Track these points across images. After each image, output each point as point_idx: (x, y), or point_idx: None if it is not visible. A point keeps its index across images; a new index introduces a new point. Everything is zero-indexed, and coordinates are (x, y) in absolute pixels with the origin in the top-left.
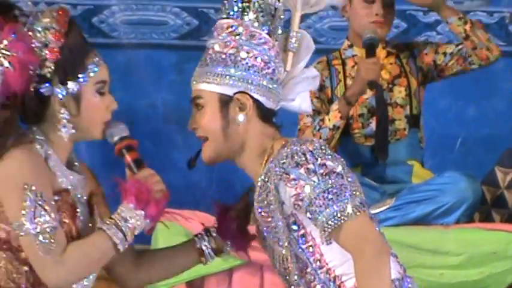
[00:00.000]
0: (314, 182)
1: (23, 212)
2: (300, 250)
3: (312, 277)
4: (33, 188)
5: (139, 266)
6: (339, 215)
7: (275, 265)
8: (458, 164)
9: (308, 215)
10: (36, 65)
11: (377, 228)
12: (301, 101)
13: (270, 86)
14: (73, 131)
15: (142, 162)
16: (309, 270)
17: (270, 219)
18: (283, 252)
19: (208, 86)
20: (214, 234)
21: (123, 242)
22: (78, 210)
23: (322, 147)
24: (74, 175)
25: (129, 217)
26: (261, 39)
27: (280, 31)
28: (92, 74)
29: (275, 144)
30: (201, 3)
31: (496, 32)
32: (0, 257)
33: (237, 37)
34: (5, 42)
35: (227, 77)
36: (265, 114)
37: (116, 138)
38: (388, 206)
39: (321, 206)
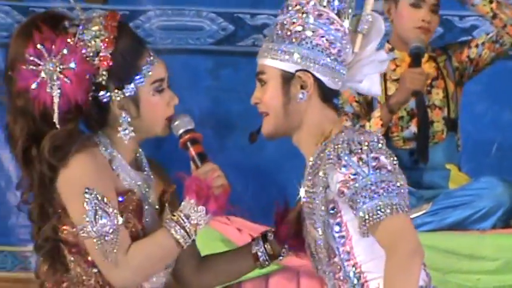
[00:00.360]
0: (364, 172)
1: (85, 215)
2: (332, 238)
3: (338, 268)
4: (95, 191)
5: (202, 270)
6: (382, 209)
7: (308, 248)
8: (494, 169)
9: (350, 203)
10: (91, 74)
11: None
12: (370, 83)
13: (334, 66)
14: (133, 134)
15: (206, 156)
16: (336, 259)
17: (311, 200)
18: (317, 236)
19: (272, 62)
20: (270, 239)
21: (186, 239)
22: (144, 209)
23: (380, 142)
24: (139, 175)
25: (191, 214)
26: (328, 19)
27: (351, 12)
28: (147, 74)
29: (334, 129)
30: (236, 9)
31: None
32: (69, 260)
33: (304, 15)
34: (59, 56)
35: (290, 54)
36: (326, 94)
37: (181, 131)
38: (424, 211)
39: (365, 198)
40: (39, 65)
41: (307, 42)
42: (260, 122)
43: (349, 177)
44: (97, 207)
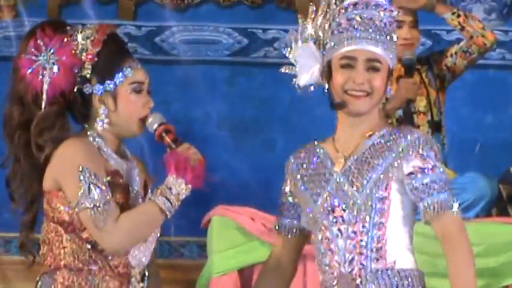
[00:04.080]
0: (440, 168)
1: (79, 190)
2: (370, 206)
3: (362, 232)
4: (87, 169)
5: None
6: (450, 204)
7: (330, 210)
8: (478, 165)
9: (417, 189)
10: (78, 67)
11: None
12: None
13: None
14: (107, 126)
15: (179, 140)
16: (366, 225)
17: (367, 166)
18: (356, 195)
19: (385, 54)
20: None
21: (169, 207)
22: (131, 190)
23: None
24: (125, 163)
25: (172, 186)
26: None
27: None
28: (127, 75)
29: (387, 124)
30: (250, 25)
31: (510, 48)
32: (65, 239)
33: (387, 12)
34: (52, 50)
35: (392, 53)
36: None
37: (155, 126)
38: None
39: (435, 189)
40: (37, 56)
41: (394, 41)
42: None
43: (427, 165)
44: (90, 183)
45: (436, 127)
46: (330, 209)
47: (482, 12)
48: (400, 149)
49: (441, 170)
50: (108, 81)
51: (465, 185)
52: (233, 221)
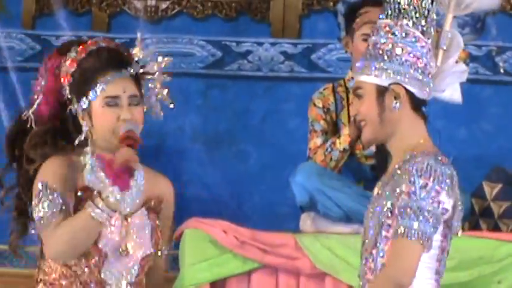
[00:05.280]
0: (420, 196)
1: (34, 202)
2: (380, 234)
3: (372, 258)
4: (45, 184)
5: None
6: (410, 232)
7: (364, 231)
8: None
9: (396, 212)
10: (60, 89)
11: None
12: (451, 92)
13: (421, 79)
14: (89, 141)
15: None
16: (374, 252)
17: (379, 195)
18: (370, 225)
19: (367, 78)
20: None
21: (99, 213)
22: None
23: (450, 179)
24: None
25: (102, 190)
26: (414, 37)
27: (432, 30)
28: (100, 90)
29: (423, 143)
30: (224, 37)
31: (484, 63)
32: (42, 254)
33: (393, 35)
34: (45, 74)
35: (383, 70)
36: (416, 104)
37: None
38: None
39: (406, 217)
40: (38, 80)
41: (397, 59)
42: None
43: (407, 192)
44: (43, 195)
45: None
46: None
47: (456, 27)
48: (401, 174)
49: (421, 196)
50: (84, 99)
51: None
52: (206, 233)
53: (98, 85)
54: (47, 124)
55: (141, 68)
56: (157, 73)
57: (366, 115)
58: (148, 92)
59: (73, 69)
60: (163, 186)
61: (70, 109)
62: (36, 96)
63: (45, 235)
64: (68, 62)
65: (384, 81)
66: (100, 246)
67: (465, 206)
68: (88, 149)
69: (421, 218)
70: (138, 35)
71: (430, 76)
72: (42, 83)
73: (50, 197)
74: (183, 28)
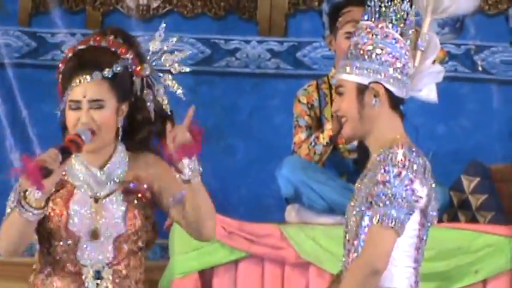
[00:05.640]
0: (393, 184)
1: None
2: (360, 225)
3: (353, 249)
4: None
5: None
6: (385, 219)
7: (346, 224)
8: None
9: (371, 201)
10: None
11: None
12: (428, 91)
13: (400, 78)
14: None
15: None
16: (355, 242)
17: (359, 188)
18: (353, 219)
19: (348, 77)
20: None
21: (22, 210)
22: (75, 195)
23: (426, 169)
24: (93, 172)
25: (27, 189)
26: (394, 39)
27: (411, 32)
28: (68, 94)
29: (399, 138)
30: (213, 35)
31: (462, 61)
32: None
33: (374, 37)
34: None
35: (363, 69)
36: (394, 102)
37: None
38: None
39: (381, 204)
40: None
41: (377, 59)
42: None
43: (382, 180)
44: (14, 190)
45: None
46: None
47: (435, 26)
48: (378, 167)
49: (394, 185)
50: (64, 99)
51: None
52: None
53: (68, 88)
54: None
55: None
56: (171, 66)
57: (347, 112)
58: (157, 86)
59: (61, 68)
60: (155, 167)
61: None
62: None
63: None
64: (61, 62)
65: (364, 80)
66: (72, 229)
67: (444, 198)
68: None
69: (395, 204)
70: (160, 29)
71: (408, 76)
72: None
73: (11, 195)
74: (173, 26)
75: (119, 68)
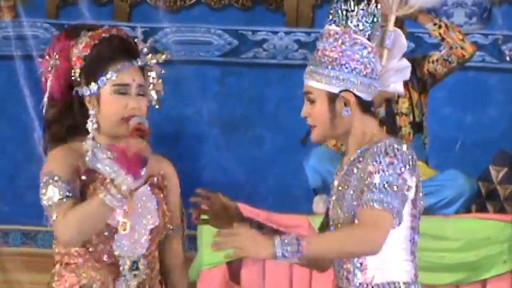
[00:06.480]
0: (387, 173)
1: (41, 191)
2: (352, 222)
3: None
4: (50, 172)
5: None
6: (376, 202)
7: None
8: (458, 163)
9: (363, 190)
10: (70, 71)
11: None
12: (395, 86)
13: (369, 83)
14: (96, 125)
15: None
16: None
17: (344, 185)
18: (342, 216)
19: (317, 84)
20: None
21: (111, 199)
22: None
23: (412, 159)
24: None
25: (115, 178)
26: (362, 45)
27: (378, 33)
28: (110, 78)
29: (377, 134)
30: (240, 26)
31: (490, 52)
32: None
33: (342, 44)
34: (55, 55)
35: (333, 78)
36: (366, 107)
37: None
38: None
39: (376, 191)
40: (47, 59)
41: (346, 67)
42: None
43: (373, 170)
44: (49, 183)
45: (417, 128)
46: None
47: (463, 17)
48: (364, 162)
49: (388, 173)
50: (93, 83)
51: (445, 182)
52: None
53: (110, 72)
54: (53, 105)
55: (151, 59)
56: (154, 64)
57: (318, 119)
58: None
59: (86, 53)
60: (165, 166)
61: (76, 91)
62: (44, 79)
63: (55, 221)
64: (81, 46)
65: (334, 89)
66: (108, 221)
67: (472, 188)
68: (90, 135)
69: (390, 192)
70: (139, 27)
71: (376, 76)
72: (51, 62)
73: (55, 183)
74: (201, 18)
75: (144, 61)
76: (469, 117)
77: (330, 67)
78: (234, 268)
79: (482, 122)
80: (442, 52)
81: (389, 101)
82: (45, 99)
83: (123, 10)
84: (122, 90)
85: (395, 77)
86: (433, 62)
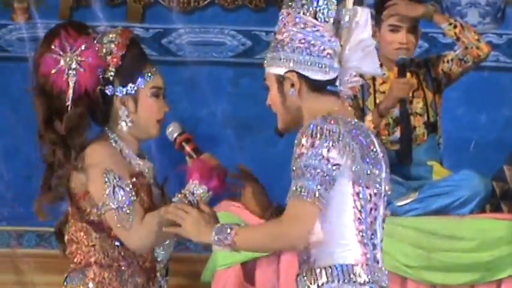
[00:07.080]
0: (307, 155)
1: (105, 192)
2: None
3: None
4: (112, 171)
5: None
6: (300, 192)
7: None
8: (472, 163)
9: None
10: (102, 69)
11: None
12: (370, 65)
13: (318, 61)
14: (130, 124)
15: (199, 150)
16: None
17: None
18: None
19: (269, 69)
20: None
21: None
22: (153, 190)
23: (340, 136)
24: (145, 163)
25: (195, 191)
26: (304, 23)
27: (329, 12)
28: (148, 80)
29: (335, 109)
30: (254, 27)
31: (504, 51)
32: (95, 237)
33: (285, 25)
34: (78, 51)
35: (278, 60)
36: (315, 85)
37: (175, 135)
38: (412, 199)
39: (296, 178)
40: (61, 55)
41: (289, 47)
42: (272, 124)
43: (297, 154)
44: (115, 185)
45: (432, 128)
46: None
47: (477, 17)
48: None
49: (308, 155)
50: (131, 84)
51: (460, 182)
52: (237, 215)
53: (146, 73)
54: (78, 103)
55: None
56: None
57: (273, 105)
58: None
59: (123, 53)
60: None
61: (102, 90)
62: (59, 75)
63: (128, 227)
64: (113, 45)
65: (280, 70)
66: None
67: (486, 188)
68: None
69: (307, 175)
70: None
71: (330, 56)
72: (72, 58)
73: (121, 184)
74: (214, 18)
75: None
76: (483, 117)
77: (276, 50)
78: (248, 269)
79: (496, 121)
80: (457, 52)
81: (404, 101)
82: (70, 96)
83: (137, 11)
84: (157, 93)
85: (358, 53)
86: (448, 61)
